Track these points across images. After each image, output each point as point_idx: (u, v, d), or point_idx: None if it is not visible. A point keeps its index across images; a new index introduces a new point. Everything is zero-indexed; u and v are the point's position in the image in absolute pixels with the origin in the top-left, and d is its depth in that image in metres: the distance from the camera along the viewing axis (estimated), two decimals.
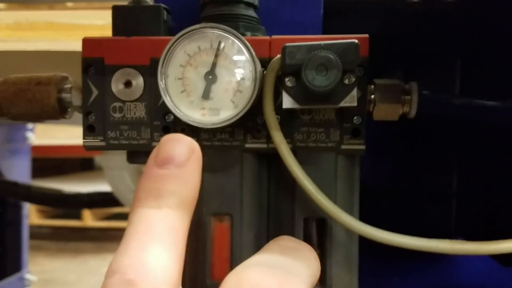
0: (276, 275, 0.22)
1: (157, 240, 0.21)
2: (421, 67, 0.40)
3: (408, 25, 0.41)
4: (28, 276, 1.56)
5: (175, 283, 0.21)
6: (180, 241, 0.22)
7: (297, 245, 0.26)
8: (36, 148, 1.70)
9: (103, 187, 1.17)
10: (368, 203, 0.36)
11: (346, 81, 0.27)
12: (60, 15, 0.68)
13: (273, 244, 0.27)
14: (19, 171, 1.54)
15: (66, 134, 2.39)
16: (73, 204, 1.33)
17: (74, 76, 0.37)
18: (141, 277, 0.20)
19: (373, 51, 0.31)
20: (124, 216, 2.62)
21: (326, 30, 0.35)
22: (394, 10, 0.42)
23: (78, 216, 2.66)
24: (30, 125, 1.57)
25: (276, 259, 0.24)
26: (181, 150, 0.23)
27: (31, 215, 2.52)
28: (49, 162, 2.84)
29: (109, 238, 2.71)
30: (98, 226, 2.70)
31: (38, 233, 2.66)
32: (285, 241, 0.27)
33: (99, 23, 0.64)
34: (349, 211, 0.31)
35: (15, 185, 1.33)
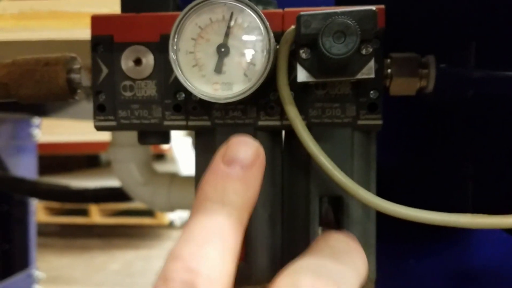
0: (328, 284, 0.22)
1: (220, 237, 0.22)
2: (435, 46, 0.39)
3: (422, 1, 0.40)
4: (36, 273, 1.57)
5: (230, 275, 0.22)
6: (238, 243, 0.23)
7: (347, 247, 0.25)
8: (42, 146, 1.70)
9: (109, 183, 1.17)
10: (383, 185, 0.35)
11: (364, 52, 0.26)
12: (65, 4, 0.67)
13: (323, 244, 0.26)
14: (26, 168, 1.55)
15: (72, 131, 2.39)
16: (80, 199, 1.32)
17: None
18: (202, 268, 0.20)
19: (388, 25, 0.30)
20: (130, 213, 2.63)
21: (339, 3, 0.35)
22: None
23: (85, 213, 2.66)
24: (36, 122, 1.57)
25: (327, 265, 0.23)
26: (248, 153, 0.24)
27: (39, 212, 2.53)
28: (56, 160, 2.84)
29: (116, 235, 2.71)
30: (105, 223, 2.70)
31: (45, 231, 2.67)
32: (336, 242, 0.26)
33: (104, 11, 0.63)
34: (366, 188, 0.31)
35: (21, 181, 1.33)
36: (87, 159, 3.31)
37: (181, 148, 2.52)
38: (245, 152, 0.24)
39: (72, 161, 3.18)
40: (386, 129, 0.32)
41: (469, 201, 0.43)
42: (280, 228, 0.33)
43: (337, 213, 0.31)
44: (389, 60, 0.31)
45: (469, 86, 0.32)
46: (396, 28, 0.33)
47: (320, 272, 0.22)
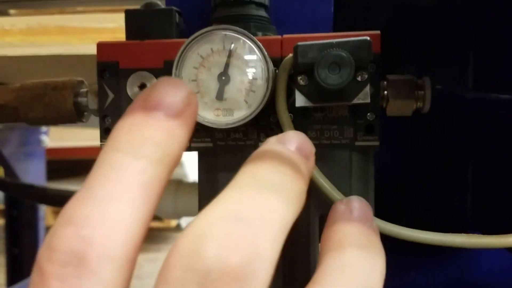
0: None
1: (125, 194, 0.17)
2: (433, 60, 0.40)
3: (419, 17, 0.41)
4: None
5: (136, 246, 0.18)
6: (152, 201, 0.18)
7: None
8: (51, 151, 1.72)
9: None
10: (383, 197, 0.36)
11: (359, 78, 0.27)
12: (72, 19, 0.69)
13: (247, 174, 0.21)
14: (35, 174, 1.56)
15: (80, 136, 2.41)
16: None
17: (86, 78, 0.37)
18: (98, 235, 0.16)
19: (384, 44, 0.31)
20: None
21: (337, 25, 0.35)
22: (404, 2, 0.42)
23: None
24: (44, 128, 1.59)
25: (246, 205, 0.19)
26: (178, 98, 0.19)
27: (47, 216, 2.55)
28: (64, 164, 2.87)
29: None
30: None
31: None
32: (264, 172, 0.21)
33: (110, 26, 0.65)
34: None
35: (31, 187, 1.35)
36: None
37: (188, 152, 2.53)
38: (173, 96, 0.19)
39: (81, 165, 3.20)
40: (385, 143, 0.33)
41: (467, 214, 0.44)
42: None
43: None
44: (385, 82, 0.32)
45: (464, 107, 0.33)
46: (392, 48, 0.34)
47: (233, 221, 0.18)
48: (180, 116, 0.19)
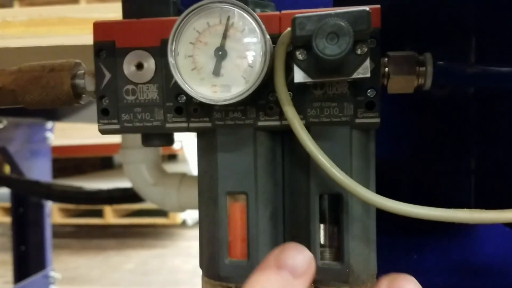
0: None
1: None
2: (435, 39, 0.40)
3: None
4: (52, 273, 1.59)
5: None
6: None
7: None
8: (56, 149, 1.73)
9: (122, 184, 1.18)
10: (385, 181, 0.35)
11: (359, 51, 0.27)
12: (73, 9, 0.69)
13: None
14: (40, 171, 1.57)
15: (85, 134, 2.42)
16: (94, 201, 1.34)
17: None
18: None
19: (386, 23, 0.31)
20: (144, 213, 2.65)
21: (337, 4, 0.35)
22: None
23: (99, 214, 2.70)
24: (49, 126, 1.60)
25: None
26: (302, 262, 0.25)
27: (54, 214, 2.56)
28: (70, 162, 2.88)
29: (131, 235, 2.74)
30: (119, 223, 2.73)
31: (61, 232, 2.71)
32: None
33: (112, 15, 0.64)
34: (365, 185, 0.31)
35: (36, 184, 1.36)
36: (101, 161, 3.34)
37: (192, 149, 2.54)
38: (298, 260, 0.25)
39: (87, 163, 3.21)
40: (389, 123, 0.32)
41: (471, 194, 0.43)
42: (282, 226, 0.33)
43: (337, 211, 0.32)
44: (386, 59, 0.32)
45: (467, 82, 0.32)
46: (394, 26, 0.33)
47: None
48: (302, 276, 0.25)
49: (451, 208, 0.28)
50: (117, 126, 0.33)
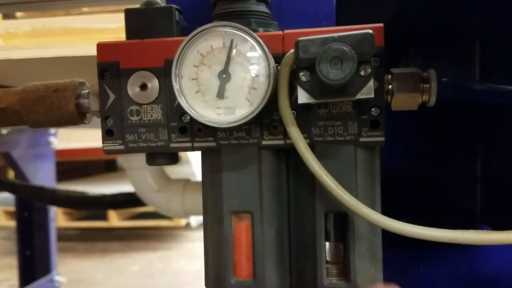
0: None
1: None
2: (439, 52, 0.39)
3: (423, 9, 0.40)
4: (57, 277, 1.60)
5: None
6: None
7: None
8: (60, 152, 1.73)
9: (126, 187, 1.19)
10: (392, 191, 0.35)
11: (362, 73, 0.27)
12: (76, 20, 0.69)
13: None
14: (44, 175, 1.58)
15: (88, 137, 2.42)
16: (98, 206, 1.35)
17: (91, 79, 0.37)
18: None
19: (390, 37, 0.30)
20: (148, 216, 2.66)
21: (340, 18, 0.35)
22: None
23: (104, 217, 2.70)
24: (52, 130, 1.60)
25: None
26: None
27: (58, 218, 2.57)
28: (73, 165, 2.89)
29: (135, 237, 2.75)
30: (123, 226, 2.74)
31: (65, 235, 2.72)
32: None
33: (114, 26, 0.65)
34: (371, 204, 0.31)
35: (41, 189, 1.36)
36: (104, 164, 3.35)
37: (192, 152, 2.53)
38: None
39: (90, 166, 3.22)
40: (395, 135, 0.32)
41: (476, 206, 0.43)
42: (288, 245, 0.33)
43: (343, 229, 0.32)
44: (389, 76, 0.32)
45: (471, 99, 0.32)
46: (397, 41, 0.33)
47: None
48: None
49: (458, 230, 0.28)
50: (121, 147, 0.33)
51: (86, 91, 0.35)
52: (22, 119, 0.35)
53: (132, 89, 0.32)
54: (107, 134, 0.33)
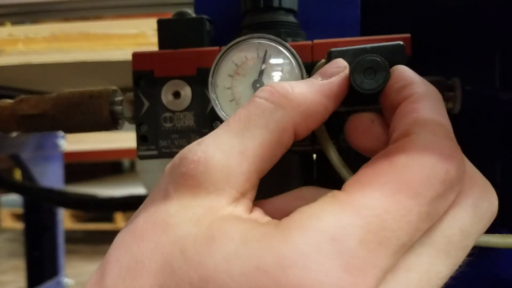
0: None
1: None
2: (459, 62, 0.40)
3: (444, 20, 0.41)
4: (65, 280, 1.60)
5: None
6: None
7: None
8: (68, 154, 1.74)
9: (132, 189, 1.20)
10: None
11: None
12: (94, 26, 0.70)
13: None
14: (53, 177, 1.58)
15: (96, 139, 2.44)
16: (108, 208, 1.36)
17: (109, 83, 0.38)
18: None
19: (412, 47, 0.31)
20: None
21: (364, 28, 0.36)
22: (430, 5, 0.42)
23: (110, 219, 2.71)
24: (61, 133, 1.61)
25: None
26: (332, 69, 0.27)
27: (65, 219, 2.58)
28: (81, 167, 2.90)
29: None
30: None
31: (71, 237, 2.73)
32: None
33: (133, 32, 0.66)
34: None
35: (50, 191, 1.37)
36: (111, 166, 3.37)
37: None
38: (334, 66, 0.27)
39: (97, 168, 3.24)
40: None
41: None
42: None
43: None
44: None
45: (495, 107, 0.33)
46: (418, 51, 0.34)
47: None
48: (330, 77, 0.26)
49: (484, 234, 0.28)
50: (155, 152, 0.34)
51: (120, 98, 0.36)
52: (57, 124, 0.36)
53: (166, 97, 0.33)
54: (142, 139, 0.34)
